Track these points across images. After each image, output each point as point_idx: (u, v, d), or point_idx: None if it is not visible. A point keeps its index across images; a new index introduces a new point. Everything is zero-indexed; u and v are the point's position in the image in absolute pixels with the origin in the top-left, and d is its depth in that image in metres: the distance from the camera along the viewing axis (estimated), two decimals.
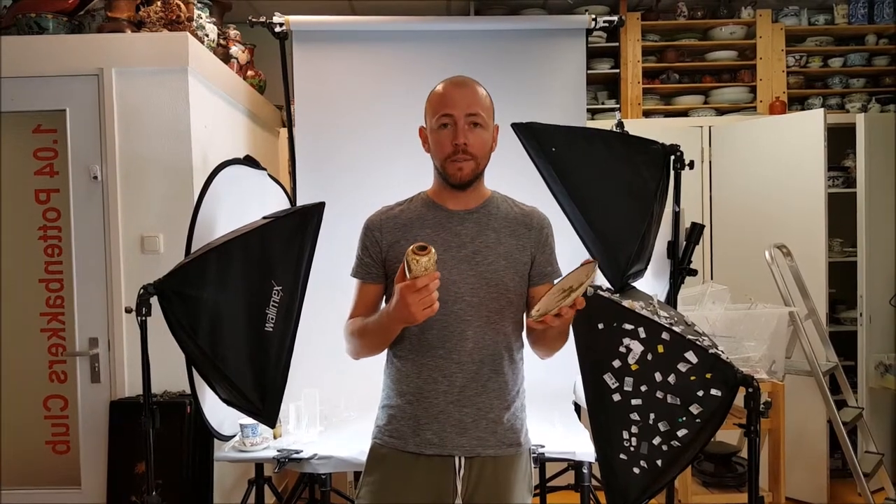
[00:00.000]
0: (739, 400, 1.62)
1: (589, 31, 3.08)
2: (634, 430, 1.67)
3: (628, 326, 1.66)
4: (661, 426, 1.64)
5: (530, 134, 2.12)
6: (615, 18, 3.07)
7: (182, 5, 2.71)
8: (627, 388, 1.66)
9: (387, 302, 1.62)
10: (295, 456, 2.33)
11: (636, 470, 1.67)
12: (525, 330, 1.65)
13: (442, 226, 1.57)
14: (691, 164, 2.24)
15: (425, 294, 1.33)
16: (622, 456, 1.68)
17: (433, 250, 1.33)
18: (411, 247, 1.33)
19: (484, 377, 1.55)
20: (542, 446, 2.32)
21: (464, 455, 1.55)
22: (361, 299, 1.63)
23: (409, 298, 1.33)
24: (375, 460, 1.62)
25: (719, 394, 1.59)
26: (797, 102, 4.20)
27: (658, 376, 1.63)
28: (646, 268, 2.22)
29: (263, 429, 2.41)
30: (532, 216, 1.65)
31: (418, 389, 1.56)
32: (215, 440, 2.47)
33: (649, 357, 1.64)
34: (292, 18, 3.00)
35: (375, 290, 1.63)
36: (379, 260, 1.60)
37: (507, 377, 1.59)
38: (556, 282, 1.40)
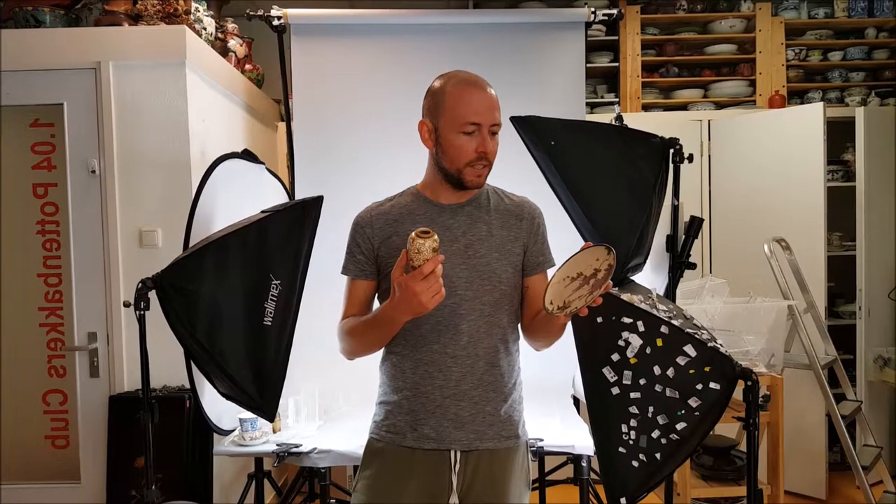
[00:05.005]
0: (738, 393, 1.63)
1: (588, 25, 3.07)
2: (633, 423, 1.67)
3: (627, 320, 1.67)
4: (660, 419, 1.64)
5: (529, 127, 2.12)
6: (614, 12, 3.06)
7: None
8: (626, 381, 1.66)
9: (380, 298, 1.62)
10: (294, 450, 2.33)
11: (635, 463, 1.67)
12: (521, 322, 1.64)
13: (433, 220, 1.56)
14: (690, 158, 2.23)
15: (433, 280, 1.32)
16: (621, 449, 1.68)
17: (435, 234, 1.33)
18: (414, 231, 1.32)
19: (480, 370, 1.55)
20: (541, 440, 2.32)
21: (461, 449, 1.54)
22: (354, 297, 1.62)
23: (416, 287, 1.32)
24: (372, 455, 1.61)
25: (718, 387, 1.60)
26: (797, 96, 4.19)
27: (657, 370, 1.64)
28: (645, 261, 2.22)
29: (263, 423, 2.41)
30: (522, 206, 1.64)
31: (415, 385, 1.55)
32: (215, 434, 2.47)
33: (648, 350, 1.65)
34: (290, 12, 2.98)
35: (368, 287, 1.62)
36: (371, 256, 1.59)
37: (503, 370, 1.58)
38: (556, 269, 1.38)
